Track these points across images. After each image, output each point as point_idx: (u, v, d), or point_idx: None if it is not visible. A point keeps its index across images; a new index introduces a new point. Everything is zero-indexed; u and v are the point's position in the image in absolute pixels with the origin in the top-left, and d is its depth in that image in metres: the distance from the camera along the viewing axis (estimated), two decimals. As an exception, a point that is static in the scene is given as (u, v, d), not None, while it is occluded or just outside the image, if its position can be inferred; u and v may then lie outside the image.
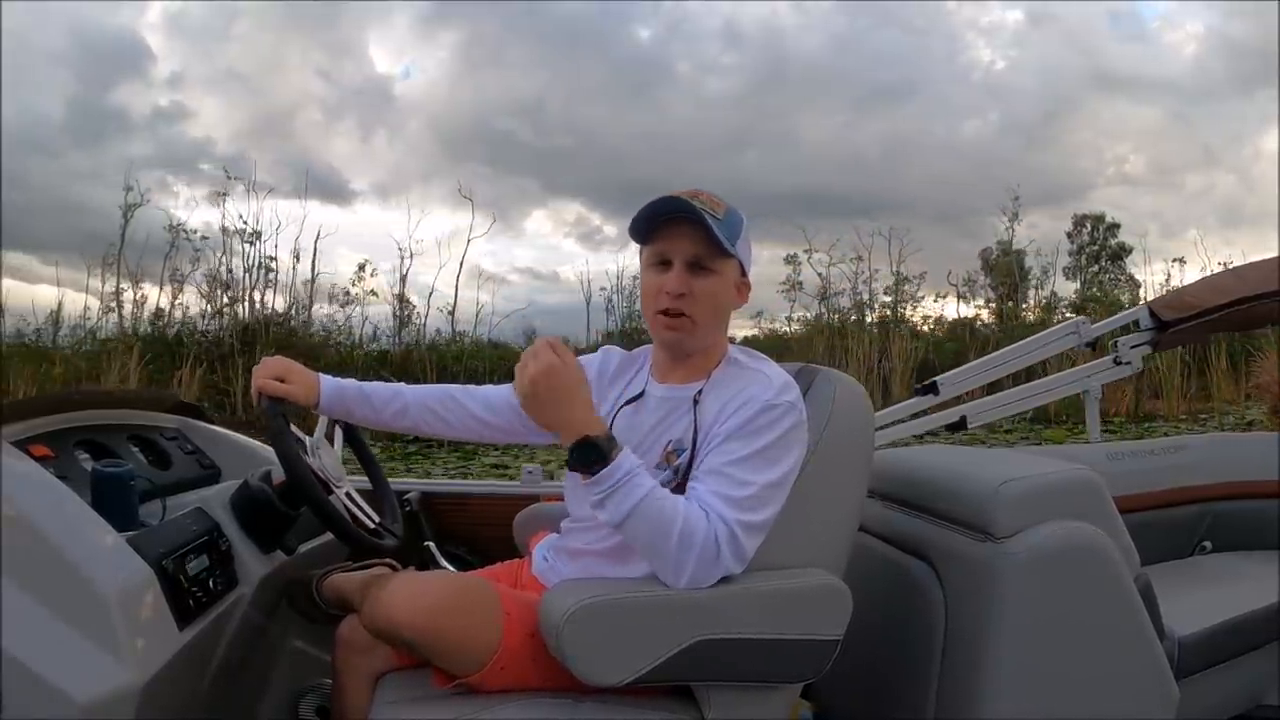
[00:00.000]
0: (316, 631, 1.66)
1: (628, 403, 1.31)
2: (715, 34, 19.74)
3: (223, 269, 11.10)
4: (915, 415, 2.38)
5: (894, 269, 12.69)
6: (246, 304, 11.01)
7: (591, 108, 18.26)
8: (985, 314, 13.07)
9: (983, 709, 1.33)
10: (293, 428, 1.39)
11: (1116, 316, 2.59)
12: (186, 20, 16.34)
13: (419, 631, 1.12)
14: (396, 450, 7.39)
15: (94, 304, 11.03)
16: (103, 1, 17.08)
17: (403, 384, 1.49)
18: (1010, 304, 12.73)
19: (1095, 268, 14.24)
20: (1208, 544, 2.17)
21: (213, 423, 1.93)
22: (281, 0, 16.90)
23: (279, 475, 1.42)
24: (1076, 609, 1.37)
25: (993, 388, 2.53)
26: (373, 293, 11.84)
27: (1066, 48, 18.90)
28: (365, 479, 1.67)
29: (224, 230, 11.16)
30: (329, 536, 1.56)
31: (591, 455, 1.10)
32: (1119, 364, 2.45)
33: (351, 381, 1.45)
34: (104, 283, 11.02)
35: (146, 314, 11.20)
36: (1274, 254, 2.40)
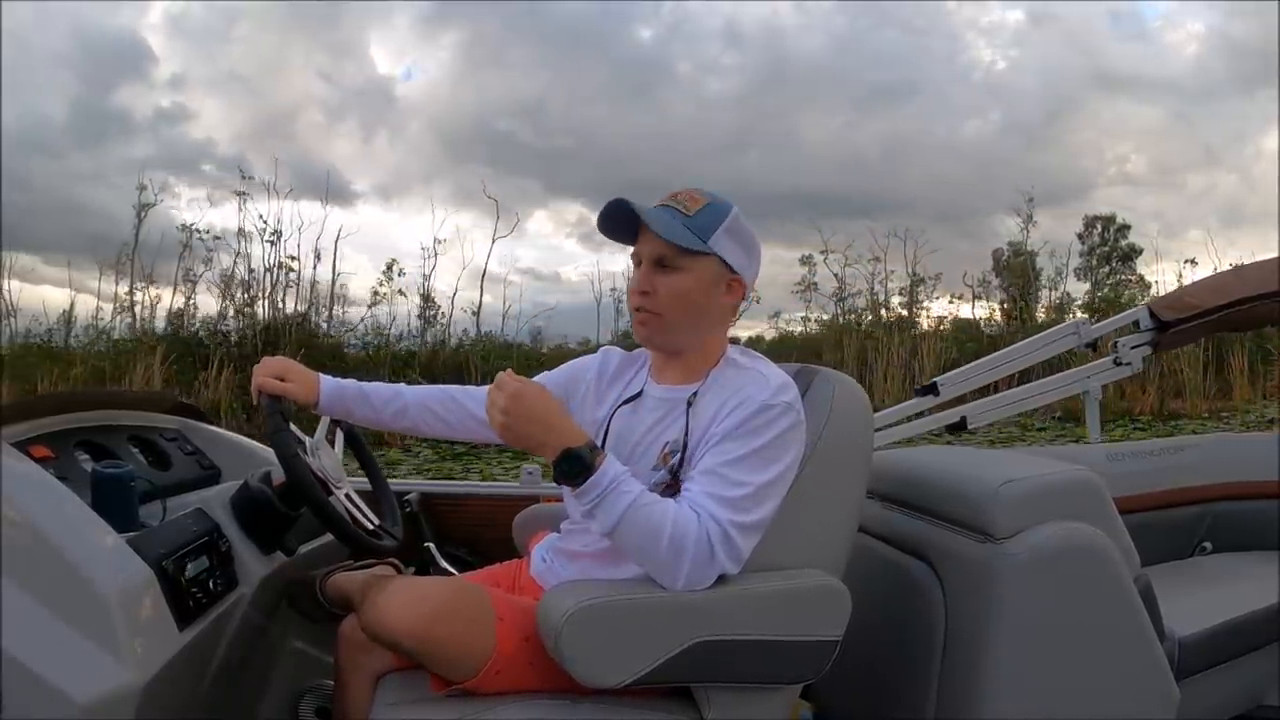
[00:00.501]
0: (316, 632, 1.66)
1: (625, 402, 1.32)
2: (716, 34, 19.75)
3: (242, 269, 11.10)
4: (915, 416, 2.38)
5: (909, 270, 12.73)
6: (266, 304, 11.01)
7: (592, 108, 18.26)
8: (997, 315, 13.10)
9: (982, 709, 1.33)
10: (293, 428, 1.40)
11: (1116, 317, 2.59)
12: (188, 22, 16.34)
13: (415, 639, 1.13)
14: (445, 451, 7.37)
15: (99, 304, 11.05)
16: (104, 2, 17.10)
17: (402, 384, 1.49)
18: (1023, 304, 12.75)
19: (1106, 269, 14.26)
20: (1208, 544, 2.17)
21: (211, 423, 1.94)
22: (283, 0, 16.89)
23: (279, 476, 1.42)
24: (1076, 610, 1.37)
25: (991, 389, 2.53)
26: (401, 292, 11.76)
27: (1067, 47, 18.89)
28: (365, 480, 1.67)
29: (240, 231, 11.18)
30: (329, 537, 1.56)
31: (576, 466, 1.10)
32: (1119, 364, 2.45)
33: (351, 381, 1.45)
34: (117, 284, 11.01)
35: (160, 314, 11.20)
36: (1274, 254, 2.40)
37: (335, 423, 1.51)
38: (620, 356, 1.41)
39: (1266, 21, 13.83)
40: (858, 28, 19.68)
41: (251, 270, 11.07)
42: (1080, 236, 14.21)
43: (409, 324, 11.59)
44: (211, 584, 1.28)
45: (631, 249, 1.28)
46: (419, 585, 1.24)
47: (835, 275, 12.71)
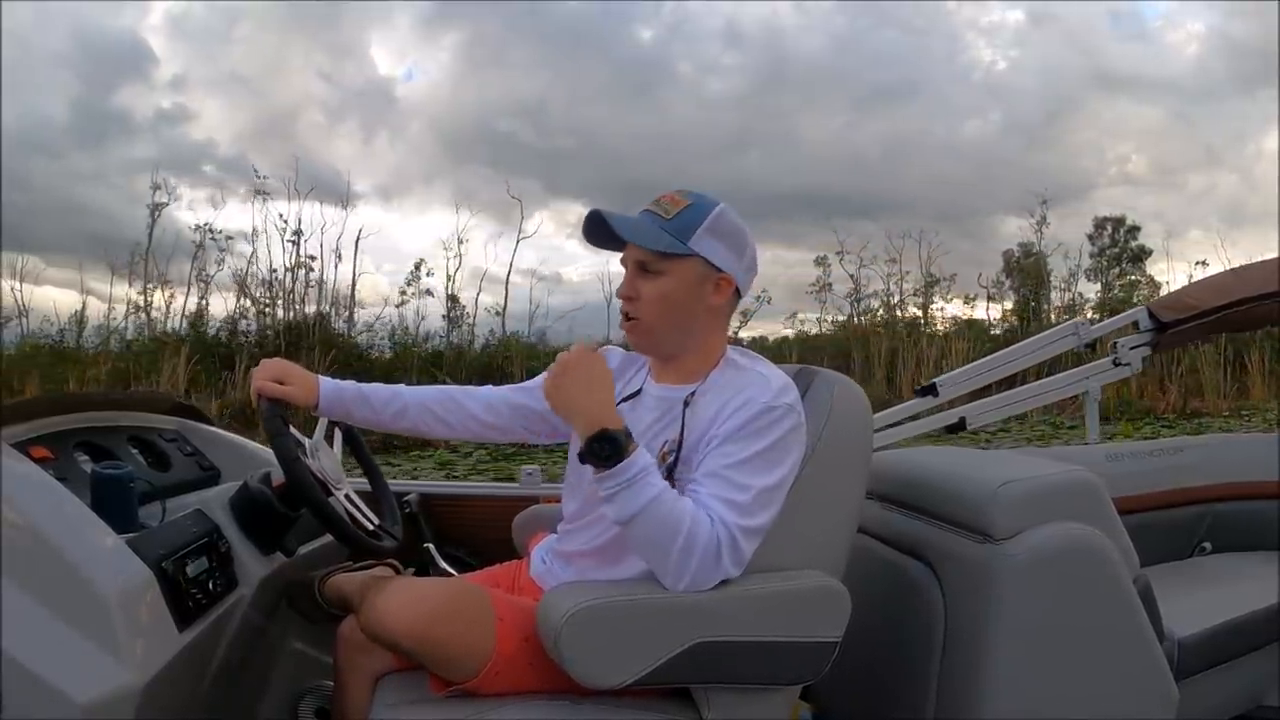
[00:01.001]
0: (316, 633, 1.66)
1: (624, 400, 1.32)
2: (716, 34, 19.75)
3: (263, 268, 11.12)
4: (914, 417, 2.38)
5: (924, 271, 12.77)
6: (286, 304, 11.02)
7: (593, 108, 18.25)
8: (1005, 316, 13.14)
9: (982, 710, 1.33)
10: (292, 429, 1.40)
11: (1115, 318, 2.58)
12: (188, 22, 16.34)
13: (414, 640, 1.13)
14: (497, 452, 7.26)
15: (106, 305, 11.05)
16: (105, 2, 17.10)
17: (402, 385, 1.49)
18: (1033, 304, 12.78)
19: (1116, 270, 14.28)
20: (1207, 545, 2.17)
21: (211, 424, 1.94)
22: (283, 1, 16.87)
23: (278, 477, 1.42)
24: (1076, 610, 1.37)
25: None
26: (428, 292, 11.70)
27: (1067, 48, 18.90)
28: (365, 481, 1.67)
29: (254, 231, 11.20)
30: (328, 538, 1.56)
31: (608, 449, 1.10)
32: (1118, 365, 2.45)
33: (350, 383, 1.46)
34: (129, 284, 11.02)
35: (173, 315, 11.19)
36: (1275, 254, 2.40)
37: (334, 423, 1.51)
38: (621, 356, 1.42)
39: (1266, 21, 13.88)
40: (858, 28, 19.70)
41: (273, 270, 11.12)
42: (1090, 238, 14.26)
43: (422, 324, 11.60)
44: (211, 585, 1.28)
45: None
46: (418, 586, 1.25)
47: (850, 276, 12.78)
